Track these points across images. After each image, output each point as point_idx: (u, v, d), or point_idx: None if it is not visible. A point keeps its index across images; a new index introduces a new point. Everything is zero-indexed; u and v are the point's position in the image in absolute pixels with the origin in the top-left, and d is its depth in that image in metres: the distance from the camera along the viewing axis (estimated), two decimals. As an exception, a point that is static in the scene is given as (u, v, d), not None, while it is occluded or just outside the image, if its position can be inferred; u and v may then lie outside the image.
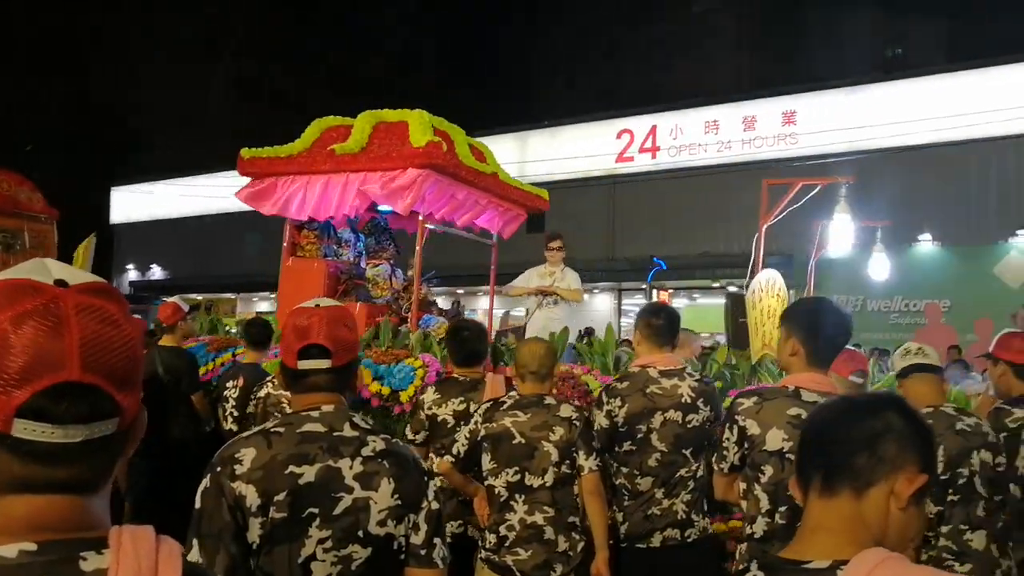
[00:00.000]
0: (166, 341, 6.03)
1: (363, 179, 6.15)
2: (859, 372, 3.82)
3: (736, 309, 6.05)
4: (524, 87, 44.50)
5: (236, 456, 1.88)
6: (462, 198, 6.52)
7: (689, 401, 3.49)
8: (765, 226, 7.01)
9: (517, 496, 3.30)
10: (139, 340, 1.00)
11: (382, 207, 6.92)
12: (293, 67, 41.87)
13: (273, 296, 25.01)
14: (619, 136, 18.68)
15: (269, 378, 4.84)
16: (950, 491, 3.05)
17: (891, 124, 15.65)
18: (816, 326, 2.70)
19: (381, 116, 6.55)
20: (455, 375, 4.08)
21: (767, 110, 17.17)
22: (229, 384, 5.38)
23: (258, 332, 5.78)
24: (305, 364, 2.01)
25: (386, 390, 5.13)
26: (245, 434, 1.99)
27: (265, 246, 24.34)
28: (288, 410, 4.36)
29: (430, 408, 3.96)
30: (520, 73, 45.61)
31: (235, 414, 5.22)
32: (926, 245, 15.30)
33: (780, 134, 16.89)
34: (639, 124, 18.58)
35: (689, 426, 3.48)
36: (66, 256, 6.15)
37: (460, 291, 19.23)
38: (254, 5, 40.14)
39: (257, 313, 23.88)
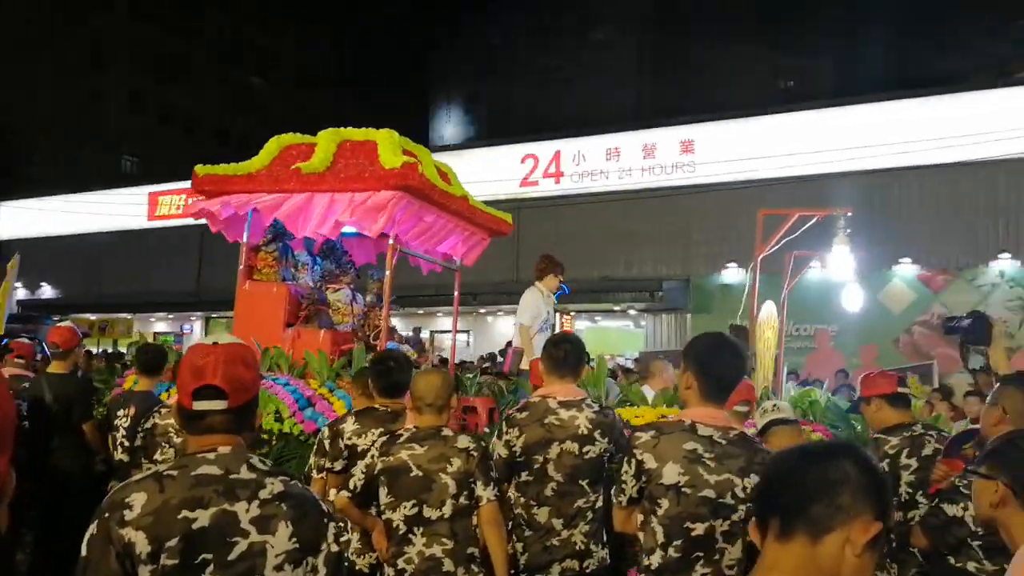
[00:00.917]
0: (56, 368, 5.76)
1: (330, 199, 5.94)
2: (744, 402, 3.96)
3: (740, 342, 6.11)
4: (422, 109, 44.63)
5: (126, 501, 1.82)
6: (431, 221, 6.35)
7: (586, 432, 3.50)
8: (761, 256, 7.09)
9: (415, 529, 3.29)
10: (12, 401, 0.97)
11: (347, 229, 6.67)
12: (186, 83, 40.78)
13: (172, 317, 24.25)
14: (523, 161, 18.87)
15: (156, 408, 4.69)
16: None
17: (784, 155, 16.29)
18: (710, 362, 2.77)
19: (345, 135, 6.36)
20: (376, 406, 4.06)
21: (666, 138, 17.65)
22: (120, 413, 5.19)
23: (151, 358, 5.58)
24: (200, 405, 1.95)
25: None
26: (136, 477, 1.93)
27: (165, 264, 23.68)
28: (176, 440, 4.28)
29: (350, 438, 3.92)
30: (417, 95, 45.71)
31: (126, 444, 5.04)
32: (816, 272, 15.93)
33: (678, 162, 17.38)
34: (543, 149, 18.83)
35: (586, 457, 3.49)
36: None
37: (420, 312, 19.03)
38: (146, 20, 38.98)
39: (155, 334, 23.00)
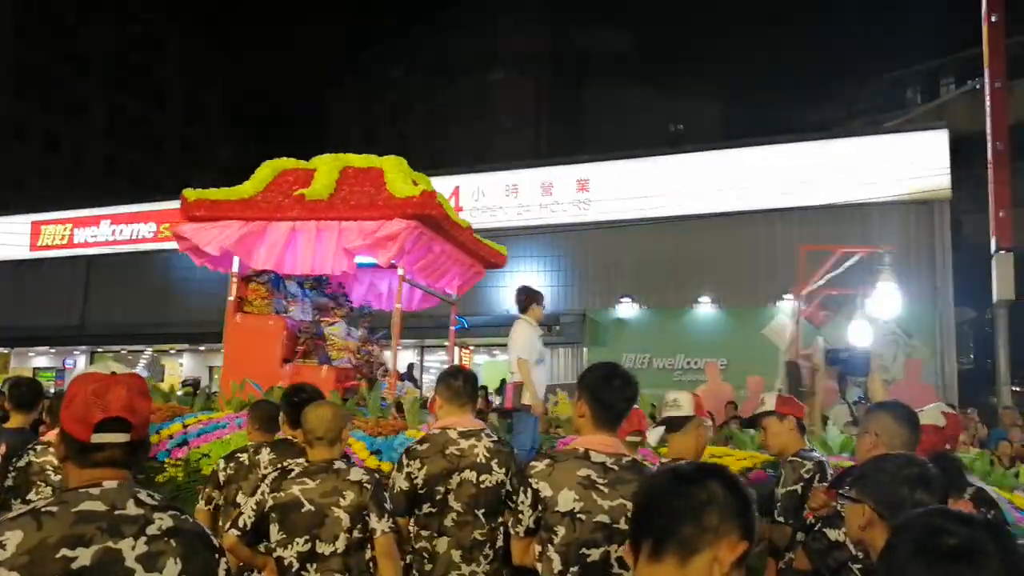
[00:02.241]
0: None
1: (339, 228, 5.66)
2: (636, 432, 4.06)
3: (794, 379, 6.08)
4: (319, 144, 44.15)
5: None
6: (437, 252, 6.13)
7: (484, 461, 3.50)
8: (805, 293, 7.06)
9: (308, 566, 3.22)
10: None
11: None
12: (70, 110, 39.09)
13: (54, 351, 23.04)
14: (423, 195, 18.93)
15: (31, 445, 4.45)
16: None
17: (674, 194, 16.87)
18: (601, 390, 2.84)
19: (346, 161, 6.12)
20: (289, 437, 3.96)
21: (563, 176, 18.03)
22: (-11, 452, 4.89)
23: (25, 393, 5.28)
24: (102, 438, 1.87)
25: (386, 465, 4.71)
26: (11, 515, 1.82)
27: (47, 296, 22.55)
28: (54, 479, 4.06)
29: (266, 468, 3.83)
30: (314, 129, 45.37)
31: (-3, 485, 4.75)
32: (705, 307, 16.51)
33: (575, 200, 17.76)
34: (442, 184, 18.84)
35: (483, 486, 3.49)
36: None
37: (408, 344, 18.58)
38: (32, 44, 37.34)
39: (34, 369, 21.70)
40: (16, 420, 5.15)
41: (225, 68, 47.60)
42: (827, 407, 12.27)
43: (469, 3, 38.81)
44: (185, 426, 5.60)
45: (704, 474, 1.49)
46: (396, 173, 5.93)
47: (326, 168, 6.03)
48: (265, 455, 3.92)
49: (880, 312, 7.86)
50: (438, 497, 3.48)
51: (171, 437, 5.52)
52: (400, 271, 5.92)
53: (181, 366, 22.13)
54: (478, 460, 3.51)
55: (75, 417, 1.89)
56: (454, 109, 39.69)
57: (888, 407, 3.21)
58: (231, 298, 6.36)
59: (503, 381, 7.39)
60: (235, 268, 6.31)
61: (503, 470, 3.54)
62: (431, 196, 5.71)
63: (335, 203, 5.80)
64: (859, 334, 7.96)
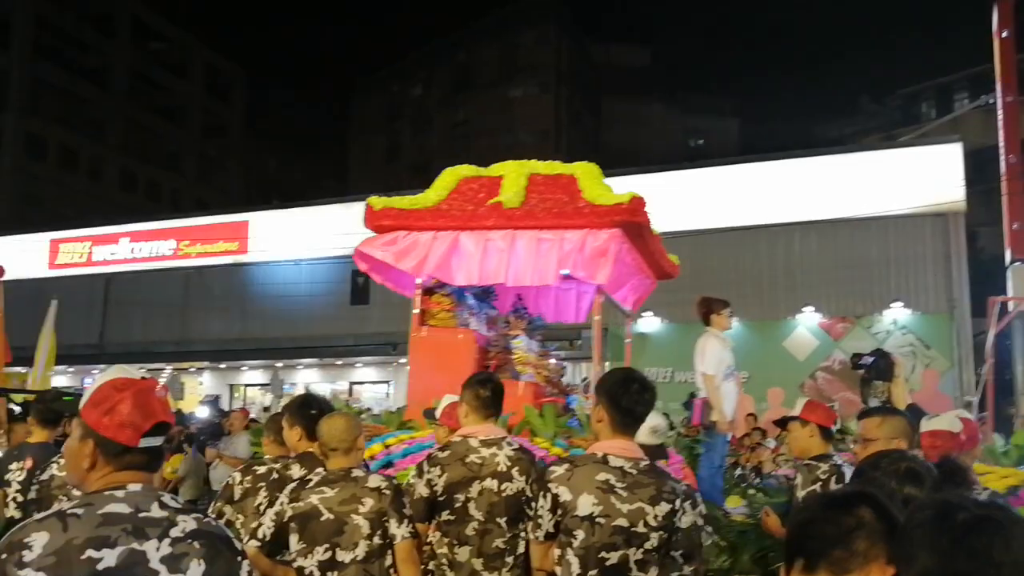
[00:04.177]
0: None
1: (537, 238, 5.52)
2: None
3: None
4: (339, 160, 44.47)
5: (25, 542, 1.73)
6: (628, 262, 5.94)
7: (504, 470, 3.49)
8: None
9: (329, 574, 3.22)
10: None
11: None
12: (87, 127, 39.36)
13: (72, 370, 23.12)
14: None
15: (54, 459, 4.47)
16: None
17: (694, 208, 16.84)
18: (619, 396, 2.85)
19: (532, 167, 6.01)
20: (312, 451, 3.96)
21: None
22: (13, 466, 4.90)
23: (49, 409, 5.33)
24: (148, 442, 1.92)
25: None
26: (37, 517, 1.84)
27: (66, 315, 22.60)
28: (76, 492, 4.06)
29: None
30: (334, 145, 45.72)
31: (19, 500, 4.77)
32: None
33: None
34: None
35: (504, 495, 3.48)
36: None
37: (338, 363, 18.66)
38: (48, 60, 37.72)
39: (55, 388, 21.77)
40: (39, 435, 5.18)
41: (244, 83, 47.98)
42: (847, 418, 12.19)
43: (489, 19, 39.11)
44: (387, 446, 5.37)
45: (854, 500, 1.59)
46: (590, 180, 5.81)
47: (514, 175, 5.86)
48: (296, 470, 3.91)
49: None
50: (457, 505, 3.47)
51: (373, 458, 5.27)
52: (599, 283, 5.77)
53: (201, 384, 22.23)
54: (499, 468, 3.50)
55: (122, 423, 1.91)
56: (474, 124, 39.90)
57: (901, 412, 3.21)
58: (415, 311, 6.18)
59: (691, 395, 7.10)
60: (420, 280, 6.16)
61: (524, 478, 3.52)
62: (641, 202, 5.54)
63: (533, 211, 5.64)
64: None
